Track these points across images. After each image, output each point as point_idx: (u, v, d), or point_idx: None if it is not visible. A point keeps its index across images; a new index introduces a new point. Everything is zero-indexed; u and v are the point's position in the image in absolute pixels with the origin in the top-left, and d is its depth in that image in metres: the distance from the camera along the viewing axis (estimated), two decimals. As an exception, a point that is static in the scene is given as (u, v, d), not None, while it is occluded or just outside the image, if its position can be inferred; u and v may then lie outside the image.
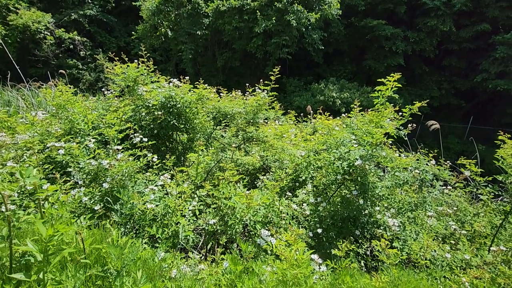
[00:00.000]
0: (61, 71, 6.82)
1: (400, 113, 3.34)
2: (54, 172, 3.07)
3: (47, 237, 1.15)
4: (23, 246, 1.29)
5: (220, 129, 4.95)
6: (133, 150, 2.85)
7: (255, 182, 4.36)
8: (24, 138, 3.20)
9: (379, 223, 3.07)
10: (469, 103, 18.77)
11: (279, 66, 4.73)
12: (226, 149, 4.69)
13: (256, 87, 4.44)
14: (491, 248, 2.69)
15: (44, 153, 2.87)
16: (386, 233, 2.83)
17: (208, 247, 2.72)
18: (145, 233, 2.36)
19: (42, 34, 16.85)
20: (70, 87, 3.82)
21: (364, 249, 3.22)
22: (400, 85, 3.28)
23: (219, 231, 2.51)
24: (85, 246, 1.64)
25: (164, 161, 3.39)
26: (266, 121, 5.52)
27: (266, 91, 4.48)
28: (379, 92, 3.37)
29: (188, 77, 4.33)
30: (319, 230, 3.07)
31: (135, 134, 3.07)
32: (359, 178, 3.03)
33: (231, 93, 5.09)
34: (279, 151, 3.75)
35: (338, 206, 3.34)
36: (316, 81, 14.76)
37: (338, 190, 3.81)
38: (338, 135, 3.29)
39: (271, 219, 2.74)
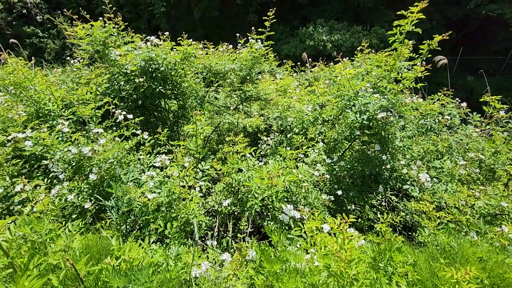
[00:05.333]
0: (12, 40, 5.81)
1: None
2: (26, 166, 2.60)
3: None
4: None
5: (213, 90, 4.39)
6: (119, 130, 2.37)
7: (258, 143, 4.00)
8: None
9: (403, 178, 2.82)
10: (459, 33, 18.06)
11: (263, 12, 4.01)
12: (222, 112, 4.21)
13: (249, 37, 3.80)
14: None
15: (9, 145, 2.36)
16: (414, 189, 2.58)
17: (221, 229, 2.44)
18: (150, 229, 2.02)
19: (-14, -1, 14.59)
20: (32, 59, 3.13)
21: (388, 208, 3.03)
22: (423, 16, 2.74)
23: (235, 212, 2.19)
24: (79, 268, 1.28)
25: (156, 135, 2.94)
26: (259, 75, 4.95)
27: (260, 40, 3.85)
28: (398, 28, 2.82)
29: (167, 33, 3.63)
30: (339, 192, 2.81)
31: (117, 111, 2.55)
32: (382, 132, 2.67)
33: (216, 48, 4.42)
34: (285, 109, 3.30)
35: (355, 164, 3.04)
36: (303, 25, 13.59)
37: (351, 145, 3.49)
38: (352, 84, 2.84)
39: (289, 189, 2.43)
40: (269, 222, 2.30)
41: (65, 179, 2.30)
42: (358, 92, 2.96)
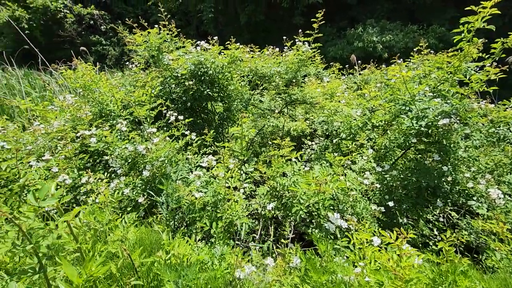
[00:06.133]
0: (82, 48, 6.54)
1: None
2: (90, 160, 2.87)
3: (79, 285, 0.84)
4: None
5: (257, 93, 4.42)
6: (170, 130, 2.49)
7: (302, 147, 3.92)
8: (58, 125, 3.00)
9: (468, 193, 2.51)
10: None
11: (309, 14, 3.91)
12: (266, 115, 4.21)
13: (296, 39, 3.75)
14: None
15: (78, 141, 2.63)
16: (481, 206, 2.28)
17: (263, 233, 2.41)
18: (196, 227, 2.08)
19: (62, 13, 16.68)
20: (97, 64, 3.48)
21: (446, 225, 2.73)
22: (498, 12, 2.43)
23: (279, 216, 2.16)
24: (134, 259, 1.35)
25: (202, 136, 3.04)
26: (304, 78, 4.86)
27: (308, 42, 3.78)
28: (465, 25, 2.54)
29: (216, 37, 3.76)
30: (390, 203, 2.61)
31: (170, 112, 2.69)
32: (444, 140, 2.42)
33: (262, 51, 4.44)
34: (332, 113, 3.18)
35: (409, 174, 2.80)
36: (350, 26, 13.09)
37: (405, 153, 3.23)
38: (410, 88, 2.62)
39: (336, 197, 2.32)
40: (313, 229, 2.23)
41: (122, 174, 2.48)
42: (415, 96, 2.72)
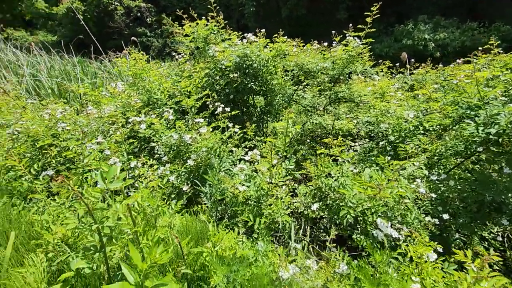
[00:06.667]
0: (133, 38, 6.87)
1: None
2: (138, 146, 2.99)
3: (143, 270, 0.83)
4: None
5: (300, 89, 4.29)
6: (215, 121, 2.50)
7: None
8: (109, 111, 3.16)
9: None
10: None
11: (354, 9, 3.67)
12: (307, 112, 4.09)
13: (347, 34, 3.56)
14: None
15: (128, 127, 2.74)
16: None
17: (301, 234, 2.33)
18: (238, 220, 2.06)
19: (113, 5, 17.72)
20: (143, 54, 3.60)
21: (507, 246, 2.44)
22: None
23: (324, 218, 2.06)
24: (183, 246, 1.35)
25: (244, 129, 3.02)
26: (348, 75, 4.63)
27: (358, 38, 3.57)
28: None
29: (264, 30, 3.69)
30: (445, 216, 2.38)
31: (216, 103, 2.70)
32: (517, 150, 2.14)
33: (306, 46, 4.29)
34: (382, 113, 2.97)
35: (467, 185, 2.54)
36: (399, 22, 12.27)
37: (462, 162, 2.94)
38: (481, 91, 2.34)
39: (387, 203, 2.16)
40: (357, 235, 2.10)
41: (167, 162, 2.54)
42: (483, 99, 2.44)
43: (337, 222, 1.98)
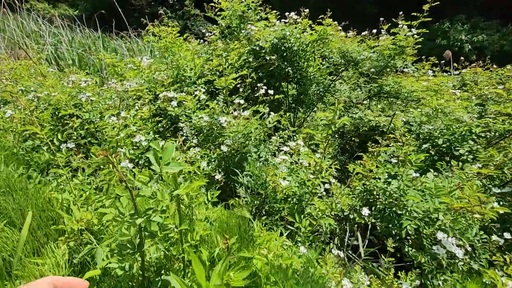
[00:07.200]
0: (160, 12, 6.58)
1: None
2: (164, 126, 2.75)
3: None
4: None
5: (338, 79, 3.96)
6: (255, 105, 2.23)
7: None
8: (133, 86, 2.93)
9: None
10: None
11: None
12: (348, 105, 3.77)
13: (399, 23, 3.20)
14: None
15: (155, 103, 2.50)
16: None
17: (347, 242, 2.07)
18: (276, 218, 1.81)
19: (137, -18, 17.39)
20: (173, 27, 3.33)
21: None
22: None
23: (377, 226, 1.80)
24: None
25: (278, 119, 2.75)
26: (383, 70, 4.26)
27: (411, 27, 3.21)
28: None
29: (307, 10, 3.36)
30: (507, 235, 2.08)
31: (259, 84, 2.42)
32: None
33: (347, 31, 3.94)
34: (436, 113, 2.65)
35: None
36: (434, 21, 11.60)
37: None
38: None
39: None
40: (409, 248, 1.83)
41: (196, 145, 2.30)
42: None
43: (393, 232, 1.71)
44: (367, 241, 2.08)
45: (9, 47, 6.47)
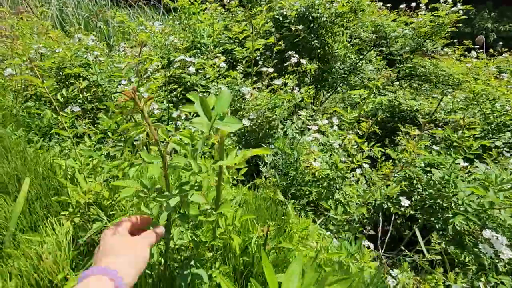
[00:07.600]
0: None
1: None
2: (177, 95, 2.52)
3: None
4: None
5: (364, 57, 3.66)
6: (284, 76, 1.98)
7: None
8: (144, 50, 2.67)
9: None
10: None
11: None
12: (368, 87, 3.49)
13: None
14: None
15: (170, 70, 2.26)
16: None
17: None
18: (303, 202, 1.61)
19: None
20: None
21: None
22: None
23: (418, 219, 1.60)
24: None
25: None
26: (413, 53, 3.93)
27: (458, 3, 2.88)
28: None
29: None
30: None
31: (289, 52, 2.15)
32: None
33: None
34: (477, 96, 2.38)
35: None
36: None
37: None
38: None
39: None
40: (449, 245, 1.65)
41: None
42: None
43: (437, 227, 1.52)
44: (389, 233, 1.90)
45: (12, 8, 6.14)
